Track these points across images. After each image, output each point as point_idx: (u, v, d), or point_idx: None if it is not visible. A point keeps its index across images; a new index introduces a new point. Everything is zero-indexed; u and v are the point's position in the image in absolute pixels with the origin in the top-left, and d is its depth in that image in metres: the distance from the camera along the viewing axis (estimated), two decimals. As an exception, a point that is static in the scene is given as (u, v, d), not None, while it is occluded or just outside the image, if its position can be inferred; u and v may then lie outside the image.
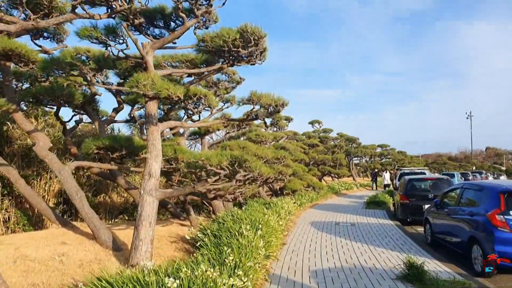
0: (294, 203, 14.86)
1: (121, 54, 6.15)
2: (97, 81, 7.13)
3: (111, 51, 6.05)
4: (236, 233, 5.96)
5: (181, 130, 11.35)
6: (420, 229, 11.90)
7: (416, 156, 63.35)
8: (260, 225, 6.77)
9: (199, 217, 9.81)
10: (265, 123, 16.44)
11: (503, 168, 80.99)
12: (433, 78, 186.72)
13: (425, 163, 58.17)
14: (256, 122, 19.59)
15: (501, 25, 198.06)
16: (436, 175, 22.68)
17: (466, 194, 7.78)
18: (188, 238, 6.49)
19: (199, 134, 11.69)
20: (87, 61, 7.79)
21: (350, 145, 38.47)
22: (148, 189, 5.35)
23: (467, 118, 68.29)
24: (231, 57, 5.29)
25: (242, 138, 13.99)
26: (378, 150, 46.08)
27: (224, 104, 13.70)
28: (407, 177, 13.89)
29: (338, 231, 10.41)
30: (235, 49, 4.92)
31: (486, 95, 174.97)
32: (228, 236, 6.02)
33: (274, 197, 17.10)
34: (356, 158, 42.95)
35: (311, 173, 21.31)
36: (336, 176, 29.20)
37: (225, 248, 5.02)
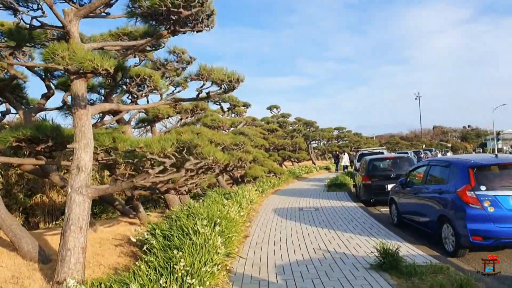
0: (256, 190, 14.22)
1: (36, 23, 4.99)
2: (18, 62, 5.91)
3: (22, 19, 4.87)
4: (190, 231, 5.13)
5: (127, 117, 10.20)
6: (384, 209, 11.74)
7: (371, 137, 65.36)
8: (218, 220, 5.97)
9: (151, 214, 8.85)
10: (221, 108, 15.51)
11: (449, 145, 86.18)
12: (382, 63, 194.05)
13: (379, 143, 60.26)
14: (214, 108, 18.63)
15: (443, 10, 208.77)
16: (395, 154, 23.09)
17: (433, 171, 7.46)
18: (134, 240, 5.56)
19: (148, 121, 10.58)
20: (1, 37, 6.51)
21: (308, 129, 38.48)
22: (77, 186, 4.35)
23: (416, 98, 71.74)
24: (172, 22, 4.36)
25: (198, 126, 13.03)
26: (335, 133, 46.72)
27: (176, 88, 12.62)
28: (367, 158, 13.69)
29: (303, 217, 9.89)
30: (175, 10, 4.01)
31: (431, 77, 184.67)
32: (180, 236, 5.17)
33: (235, 185, 16.37)
34: (314, 142, 43.26)
35: (272, 159, 20.80)
36: (296, 160, 29.01)
37: (175, 252, 4.18)
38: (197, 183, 5.63)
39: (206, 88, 5.25)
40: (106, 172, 9.30)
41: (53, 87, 8.04)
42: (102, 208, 10.72)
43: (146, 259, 4.37)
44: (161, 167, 4.85)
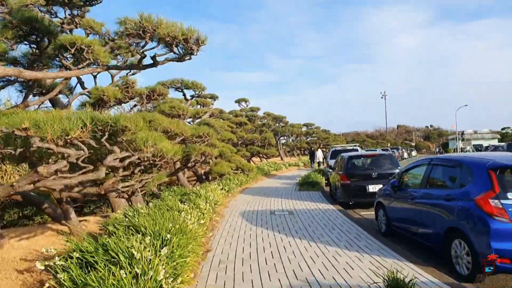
0: (222, 189, 12.63)
1: None
2: None
3: None
4: (121, 259, 3.48)
5: (64, 99, 8.28)
6: (364, 212, 10.55)
7: (337, 135, 65.44)
8: (169, 235, 4.34)
9: (91, 219, 7.04)
10: (184, 95, 13.67)
11: (413, 144, 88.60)
12: (348, 61, 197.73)
13: (346, 141, 60.37)
14: (176, 96, 16.71)
15: (407, 10, 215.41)
16: (378, 151, 22.21)
17: (437, 173, 6.19)
18: (42, 267, 3.81)
19: (92, 106, 8.68)
20: None
21: (278, 124, 37.25)
22: None
23: (382, 97, 72.64)
24: None
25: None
26: (304, 129, 45.93)
27: (130, 71, 10.76)
28: (345, 155, 12.44)
29: (276, 224, 8.42)
30: None
31: (395, 76, 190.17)
32: (107, 263, 3.51)
33: (199, 183, 14.68)
34: (283, 138, 42.16)
35: (240, 154, 19.25)
36: (265, 156, 27.63)
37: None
38: (134, 187, 4.00)
39: (151, 49, 3.60)
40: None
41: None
42: (32, 211, 8.74)
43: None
44: (64, 163, 3.17)
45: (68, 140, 2.95)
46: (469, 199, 5.04)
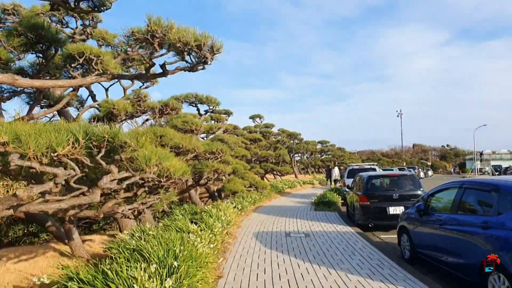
0: (235, 207, 12.18)
1: None
2: None
3: None
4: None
5: (73, 113, 8.08)
6: (384, 236, 9.95)
7: (352, 153, 64.47)
8: (176, 262, 3.93)
9: (96, 239, 6.69)
10: (198, 110, 13.42)
11: (429, 163, 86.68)
12: (362, 80, 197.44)
13: (361, 159, 59.39)
14: (189, 111, 16.56)
15: (421, 30, 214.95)
16: (394, 170, 21.50)
17: (470, 197, 5.65)
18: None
19: (102, 120, 8.46)
20: None
21: (292, 141, 36.80)
22: None
23: (398, 116, 71.55)
24: None
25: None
26: (319, 146, 45.36)
27: (143, 84, 10.60)
28: (364, 174, 11.89)
29: (292, 247, 7.92)
30: None
31: (411, 96, 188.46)
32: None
33: (211, 200, 14.28)
34: (297, 155, 41.62)
35: (253, 171, 18.83)
36: (279, 173, 27.11)
37: None
38: (138, 209, 3.63)
39: (161, 56, 3.28)
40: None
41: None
42: (37, 228, 8.46)
43: None
44: (50, 185, 2.81)
45: (55, 158, 2.60)
46: (509, 228, 4.50)
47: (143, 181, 3.27)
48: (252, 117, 34.22)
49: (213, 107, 12.92)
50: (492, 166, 57.75)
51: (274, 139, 33.83)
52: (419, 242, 6.75)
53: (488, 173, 54.51)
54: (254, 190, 16.75)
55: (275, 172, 26.95)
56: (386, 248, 7.95)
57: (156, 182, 3.36)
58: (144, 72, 5.04)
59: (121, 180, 3.11)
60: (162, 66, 3.37)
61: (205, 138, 15.76)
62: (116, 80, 9.16)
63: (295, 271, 6.04)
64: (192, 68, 3.39)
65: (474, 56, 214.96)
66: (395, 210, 10.19)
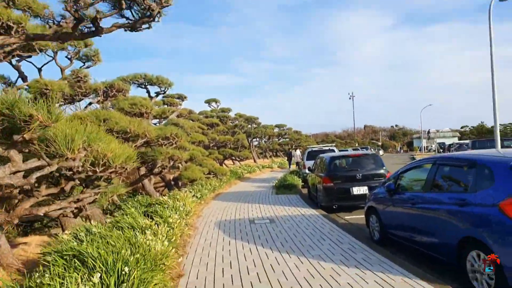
0: (194, 196, 11.47)
1: None
2: None
3: None
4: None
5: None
6: (348, 217, 9.78)
7: (308, 136, 65.50)
8: (126, 268, 3.23)
9: (36, 238, 5.73)
10: (148, 91, 12.29)
11: (380, 143, 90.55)
12: (316, 65, 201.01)
13: (316, 141, 60.53)
14: (139, 93, 15.40)
15: (372, 15, 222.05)
16: (360, 151, 21.66)
17: (444, 174, 5.41)
18: None
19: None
20: None
21: (250, 126, 36.32)
22: None
23: (350, 98, 73.56)
24: None
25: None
26: (276, 130, 45.36)
27: (85, 63, 9.46)
28: (326, 156, 11.65)
29: (257, 235, 7.42)
30: None
31: (362, 79, 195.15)
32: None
33: (167, 190, 13.43)
34: (255, 139, 41.30)
35: (212, 157, 18.12)
36: (238, 159, 26.58)
37: None
38: (68, 209, 2.86)
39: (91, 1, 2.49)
40: None
41: None
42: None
43: None
44: None
45: None
46: (490, 204, 4.27)
47: (71, 172, 2.51)
48: (208, 101, 33.20)
49: (165, 88, 11.88)
50: (437, 143, 61.35)
51: (231, 123, 33.11)
52: (389, 223, 6.52)
53: (434, 151, 57.81)
54: (213, 177, 16.10)
55: (234, 158, 26.37)
56: (353, 230, 7.70)
57: (90, 173, 2.62)
58: (70, 31, 4.09)
59: (26, 174, 2.32)
60: (94, 21, 2.57)
61: (157, 124, 14.71)
62: (51, 58, 8.03)
63: (263, 262, 5.53)
64: (134, 26, 2.62)
65: (418, 41, 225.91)
66: (359, 190, 10.05)
